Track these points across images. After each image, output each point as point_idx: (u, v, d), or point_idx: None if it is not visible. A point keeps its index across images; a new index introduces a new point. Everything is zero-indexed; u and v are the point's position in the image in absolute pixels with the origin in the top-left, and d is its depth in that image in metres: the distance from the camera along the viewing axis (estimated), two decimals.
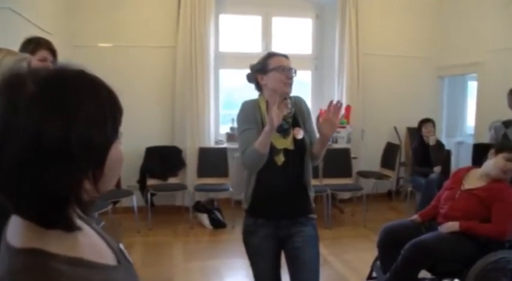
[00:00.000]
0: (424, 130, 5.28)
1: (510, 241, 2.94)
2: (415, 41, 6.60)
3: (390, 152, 6.24)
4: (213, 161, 5.60)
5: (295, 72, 2.21)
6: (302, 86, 6.53)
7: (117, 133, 0.82)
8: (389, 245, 3.18)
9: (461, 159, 7.46)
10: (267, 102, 2.25)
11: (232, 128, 6.06)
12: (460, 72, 6.76)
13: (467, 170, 3.24)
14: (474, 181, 3.10)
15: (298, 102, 2.31)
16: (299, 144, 2.22)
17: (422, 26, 6.63)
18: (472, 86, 8.05)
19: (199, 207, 5.38)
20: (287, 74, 2.16)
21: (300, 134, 2.21)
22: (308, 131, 2.29)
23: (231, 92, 6.67)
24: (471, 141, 7.03)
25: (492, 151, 3.03)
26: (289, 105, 2.22)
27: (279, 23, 6.31)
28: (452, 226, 2.96)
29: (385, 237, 3.22)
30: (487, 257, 2.81)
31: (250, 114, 2.22)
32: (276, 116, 2.00)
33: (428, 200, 4.96)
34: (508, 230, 2.88)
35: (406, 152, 6.52)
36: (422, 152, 5.26)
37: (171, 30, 5.69)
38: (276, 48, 6.25)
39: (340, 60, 6.19)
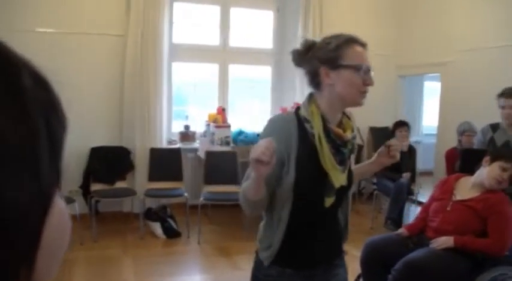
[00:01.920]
0: (399, 134, 5.05)
1: (507, 255, 2.71)
2: (378, 38, 6.36)
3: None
4: (165, 163, 5.08)
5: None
6: (261, 83, 6.16)
7: (59, 174, 0.39)
8: (374, 262, 2.86)
9: (417, 158, 7.44)
10: (322, 117, 1.53)
11: (186, 126, 5.57)
12: (422, 72, 6.69)
13: (456, 178, 2.96)
14: (466, 190, 2.83)
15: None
16: (350, 177, 1.64)
17: (386, 23, 6.46)
18: (428, 86, 8.09)
19: (150, 214, 4.85)
20: (366, 79, 1.51)
21: (352, 163, 1.66)
22: None
23: (182, 87, 6.15)
24: (429, 140, 6.98)
25: (487, 158, 2.76)
26: (355, 126, 1.63)
27: (238, 14, 5.87)
28: (446, 241, 2.67)
29: (369, 253, 2.89)
30: (484, 275, 2.56)
31: (279, 139, 1.44)
32: (263, 154, 1.30)
33: (398, 205, 4.78)
34: (507, 245, 2.64)
35: (369, 152, 6.31)
36: None
37: (120, 16, 5.08)
38: (234, 41, 5.84)
39: None
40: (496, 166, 2.70)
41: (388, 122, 6.48)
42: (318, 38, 1.63)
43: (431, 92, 8.35)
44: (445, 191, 2.92)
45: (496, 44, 5.13)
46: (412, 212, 5.33)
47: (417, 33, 6.27)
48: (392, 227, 4.77)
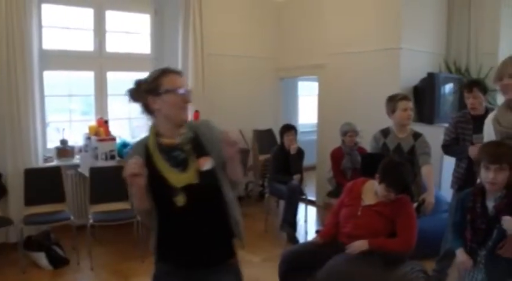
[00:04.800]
0: (286, 138, 5.18)
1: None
2: (259, 42, 6.54)
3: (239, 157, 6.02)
4: (44, 184, 4.54)
5: (191, 93, 1.88)
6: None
7: None
8: (293, 273, 2.89)
9: None
10: (156, 134, 1.86)
11: (63, 141, 5.06)
12: (300, 74, 6.97)
13: (362, 183, 3.12)
14: (372, 195, 2.99)
15: (199, 126, 1.93)
16: (206, 176, 1.81)
17: (266, 27, 6.64)
18: (302, 86, 8.51)
19: (31, 244, 4.29)
20: (184, 98, 1.81)
21: (206, 164, 1.81)
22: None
23: (56, 98, 5.56)
24: (305, 138, 7.30)
25: (378, 176, 2.93)
26: (184, 131, 1.86)
27: (113, 17, 5.48)
28: (361, 245, 2.80)
29: (287, 265, 2.92)
30: (397, 271, 2.77)
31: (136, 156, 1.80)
32: (133, 169, 1.67)
33: (292, 207, 4.92)
34: (414, 242, 2.86)
35: (254, 155, 6.40)
36: (282, 159, 5.14)
37: None
38: (110, 46, 5.46)
39: (184, 61, 5.68)
40: (383, 188, 2.87)
41: (270, 124, 6.67)
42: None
43: (305, 91, 8.82)
44: (353, 197, 3.04)
45: (364, 49, 5.57)
46: (303, 212, 5.53)
47: (295, 37, 6.53)
48: (289, 229, 4.91)
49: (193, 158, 1.82)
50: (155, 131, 1.86)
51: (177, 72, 1.87)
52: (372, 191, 3.01)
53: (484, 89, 3.54)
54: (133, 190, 1.74)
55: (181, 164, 1.81)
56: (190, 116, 5.48)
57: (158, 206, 1.85)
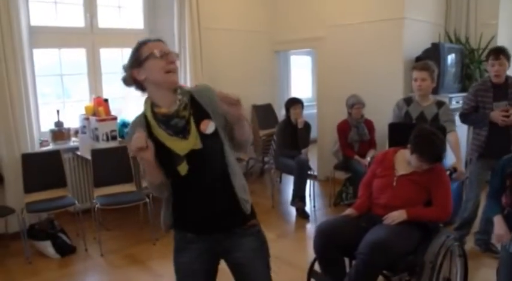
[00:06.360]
0: (293, 112, 5.02)
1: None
2: (253, 15, 6.34)
3: None
4: (43, 169, 4.30)
5: (177, 55, 1.78)
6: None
7: None
8: (329, 246, 2.77)
9: None
10: (152, 105, 1.77)
11: (58, 123, 4.80)
12: (296, 47, 6.83)
13: (393, 152, 3.01)
14: (405, 165, 2.89)
15: (195, 91, 1.84)
16: (209, 139, 1.76)
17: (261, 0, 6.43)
18: (294, 60, 8.39)
19: (35, 233, 4.07)
20: (167, 59, 1.73)
21: (209, 127, 1.75)
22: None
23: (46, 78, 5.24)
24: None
25: (409, 146, 2.83)
26: (179, 97, 1.76)
27: None
28: (399, 215, 2.71)
29: (322, 238, 2.78)
30: (435, 240, 2.70)
31: (137, 130, 1.71)
32: (138, 143, 1.60)
33: (302, 181, 4.82)
34: (450, 211, 2.80)
35: (254, 131, 6.25)
36: (289, 133, 5.01)
37: None
38: (102, 22, 5.17)
39: (181, 36, 5.43)
40: (415, 158, 2.78)
41: (268, 99, 6.52)
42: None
43: (296, 65, 8.68)
44: (386, 167, 2.94)
45: (365, 20, 5.44)
46: (309, 186, 5.42)
47: (290, 10, 6.34)
48: (300, 203, 4.82)
49: (193, 123, 1.75)
50: (150, 103, 1.79)
51: (156, 40, 1.79)
52: (404, 160, 2.91)
53: (509, 57, 3.47)
54: (144, 166, 1.71)
55: (182, 132, 1.74)
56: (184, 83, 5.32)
57: (167, 177, 1.80)
